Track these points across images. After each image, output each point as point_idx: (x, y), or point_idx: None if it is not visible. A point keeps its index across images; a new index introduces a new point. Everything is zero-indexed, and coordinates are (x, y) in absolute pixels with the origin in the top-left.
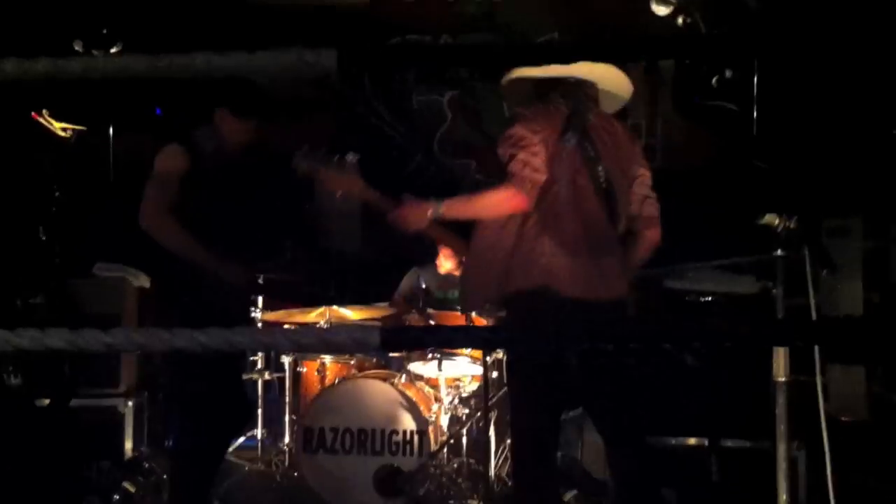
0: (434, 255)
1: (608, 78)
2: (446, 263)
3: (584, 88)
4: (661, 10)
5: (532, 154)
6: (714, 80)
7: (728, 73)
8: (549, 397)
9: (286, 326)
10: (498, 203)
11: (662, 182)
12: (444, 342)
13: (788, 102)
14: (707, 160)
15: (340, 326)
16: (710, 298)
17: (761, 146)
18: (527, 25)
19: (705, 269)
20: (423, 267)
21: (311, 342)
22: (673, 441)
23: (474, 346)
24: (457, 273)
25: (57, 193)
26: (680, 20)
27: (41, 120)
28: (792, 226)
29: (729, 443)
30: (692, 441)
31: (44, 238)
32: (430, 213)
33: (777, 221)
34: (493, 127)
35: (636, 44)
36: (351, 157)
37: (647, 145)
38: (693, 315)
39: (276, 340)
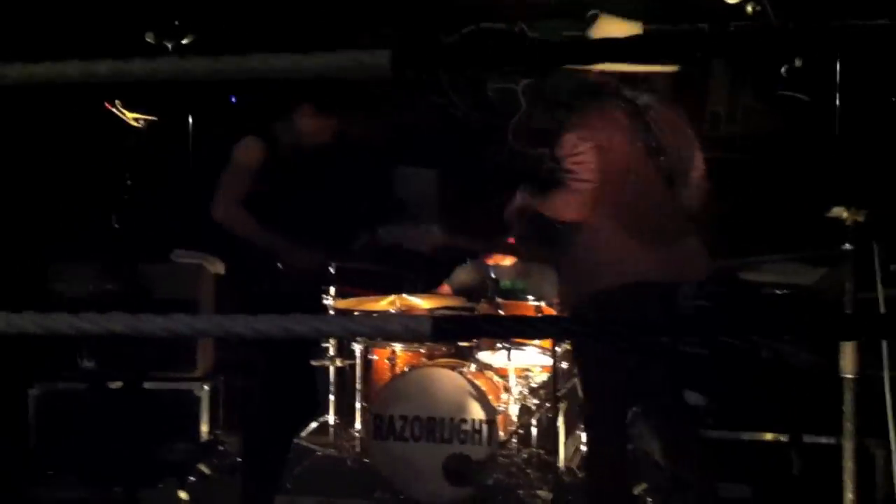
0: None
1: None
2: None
3: (640, 76)
4: None
5: (578, 163)
6: (783, 70)
7: (798, 63)
8: (618, 386)
9: (356, 314)
10: (555, 209)
11: (742, 172)
12: (498, 332)
13: (866, 93)
14: (787, 150)
15: (393, 314)
16: (785, 291)
17: (836, 137)
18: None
19: (781, 262)
20: (477, 260)
21: (363, 329)
22: (749, 436)
23: (527, 336)
24: (518, 265)
25: (129, 182)
26: (749, 8)
27: (114, 110)
28: (861, 219)
29: (809, 439)
30: (770, 436)
31: (117, 226)
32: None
33: (846, 214)
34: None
35: (711, 39)
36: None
37: (728, 134)
38: (767, 308)
39: (329, 327)
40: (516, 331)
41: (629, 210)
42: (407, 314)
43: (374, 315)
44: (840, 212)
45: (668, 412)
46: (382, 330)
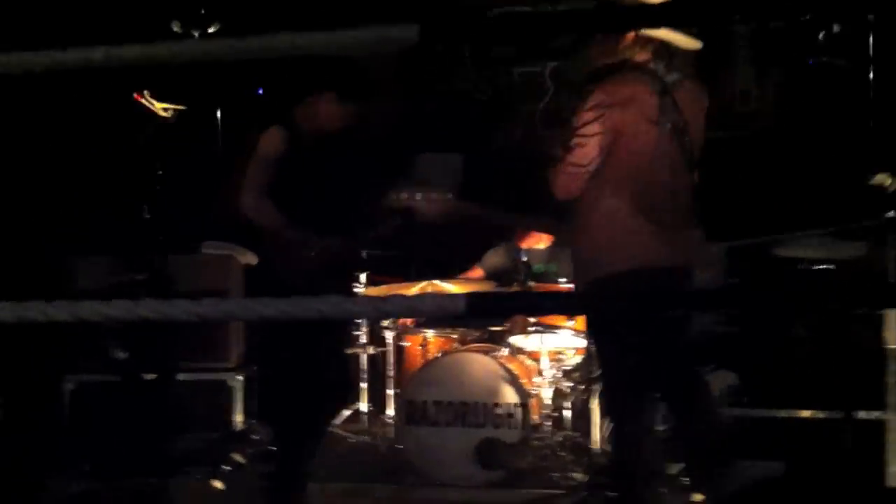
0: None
1: (678, 37)
2: (530, 238)
3: (669, 48)
4: None
5: (581, 145)
6: (821, 36)
7: (836, 28)
8: (636, 367)
9: None
10: (550, 184)
11: (774, 148)
12: (530, 308)
13: None
14: (818, 124)
15: (425, 294)
16: (822, 266)
17: (874, 103)
18: None
19: (816, 236)
20: (509, 244)
21: (395, 309)
22: (786, 413)
23: (561, 312)
24: (551, 248)
25: (160, 172)
26: None
27: (142, 100)
28: None
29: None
30: (806, 413)
31: (147, 216)
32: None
33: (889, 181)
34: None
35: (739, 3)
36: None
37: (758, 110)
38: (804, 283)
39: (360, 308)
40: (550, 307)
41: (649, 192)
42: (437, 294)
43: (406, 296)
44: (883, 179)
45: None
46: (416, 308)
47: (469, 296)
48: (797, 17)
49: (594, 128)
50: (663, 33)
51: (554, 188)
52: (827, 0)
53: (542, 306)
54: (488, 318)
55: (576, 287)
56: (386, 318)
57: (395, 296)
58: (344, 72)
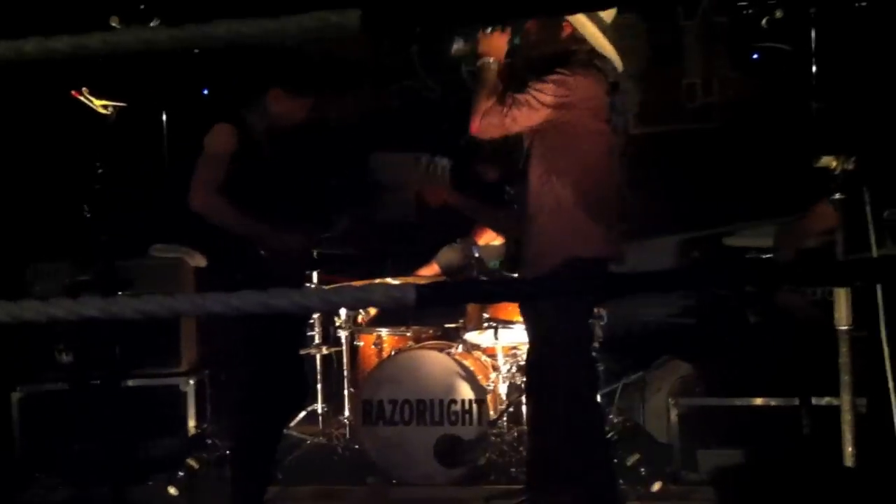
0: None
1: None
2: (486, 234)
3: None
4: None
5: (532, 107)
6: (764, 21)
7: (779, 14)
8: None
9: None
10: (474, 110)
11: (720, 141)
12: (482, 296)
13: (847, 39)
14: (764, 114)
15: (376, 284)
16: (771, 255)
17: (818, 86)
18: None
19: (767, 225)
20: (465, 239)
21: (345, 300)
22: (741, 402)
23: (513, 300)
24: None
25: (100, 170)
26: None
27: (81, 97)
28: (850, 167)
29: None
30: (759, 401)
31: (88, 215)
32: None
33: (834, 163)
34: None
35: None
36: (443, 162)
37: (705, 105)
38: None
39: (308, 300)
40: (498, 294)
41: (597, 188)
42: (390, 284)
43: (357, 287)
44: (829, 161)
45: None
46: (366, 300)
47: (419, 286)
48: (737, 16)
49: (547, 98)
50: (597, 41)
51: (478, 121)
52: None
53: (492, 293)
54: (440, 308)
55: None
56: (336, 308)
57: (344, 286)
58: (290, 65)
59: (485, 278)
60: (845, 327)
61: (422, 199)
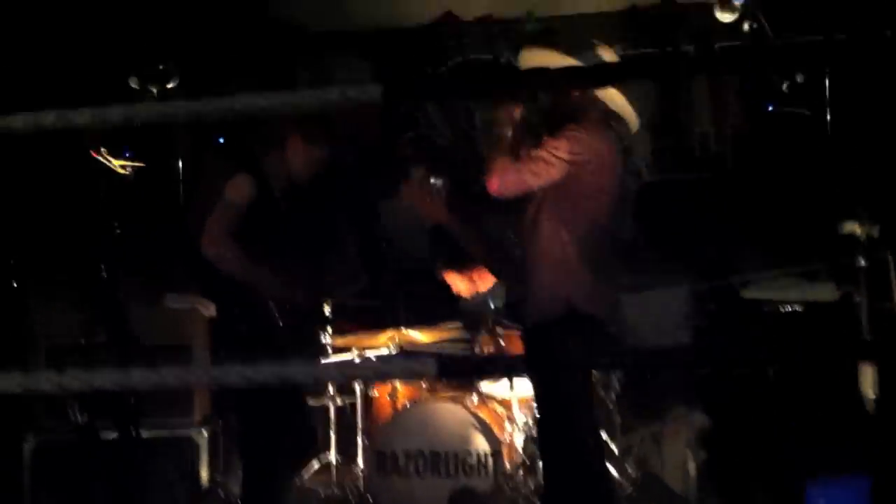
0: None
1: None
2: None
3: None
4: (726, 18)
5: (547, 162)
6: (785, 86)
7: (800, 78)
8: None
9: (355, 351)
10: (490, 168)
11: (733, 190)
12: (504, 369)
13: (864, 104)
14: (780, 167)
15: (395, 357)
16: (789, 308)
17: (837, 151)
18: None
19: (782, 278)
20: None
21: (365, 374)
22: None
23: (532, 375)
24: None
25: (118, 231)
26: (746, 26)
27: (100, 158)
28: (875, 234)
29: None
30: None
31: (105, 276)
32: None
33: (859, 230)
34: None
35: (701, 60)
36: (438, 183)
37: (718, 153)
38: (772, 327)
39: (327, 374)
40: (518, 369)
41: (599, 242)
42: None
43: (375, 358)
44: (853, 227)
45: None
46: (385, 373)
47: (439, 359)
48: (750, 73)
49: (564, 154)
50: (613, 101)
51: (497, 180)
52: (780, 54)
53: (513, 367)
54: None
55: (523, 320)
56: (353, 379)
57: (365, 360)
58: (307, 116)
59: (499, 329)
60: (872, 397)
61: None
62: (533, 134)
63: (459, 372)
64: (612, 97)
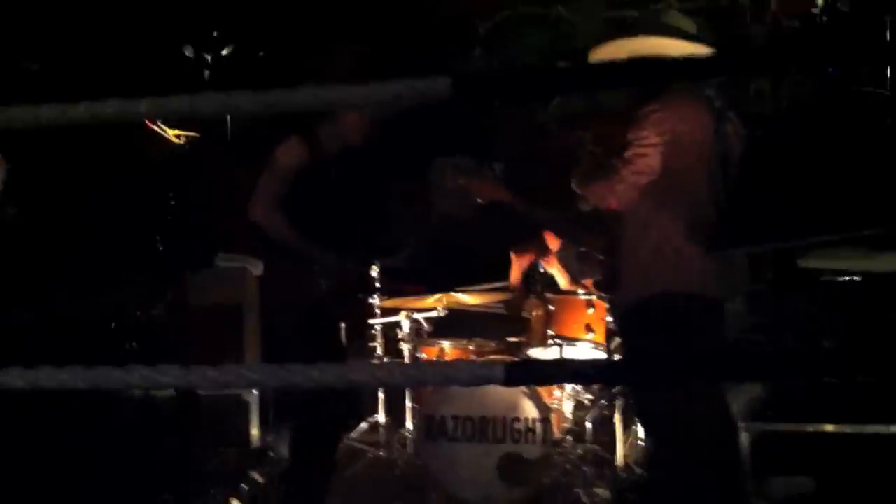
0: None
1: None
2: (552, 244)
3: None
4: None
5: (641, 156)
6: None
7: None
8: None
9: (403, 313)
10: (596, 193)
11: (794, 150)
12: (573, 375)
13: None
14: (838, 125)
15: (462, 361)
16: (847, 279)
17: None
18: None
19: (842, 246)
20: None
21: (429, 377)
22: (813, 428)
23: (605, 381)
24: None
25: (173, 202)
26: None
27: (155, 128)
28: None
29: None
30: (832, 427)
31: (161, 248)
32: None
33: None
34: (610, 99)
35: (786, 53)
36: (497, 167)
37: (773, 111)
38: (829, 299)
39: (391, 378)
40: (594, 375)
41: (699, 216)
42: (476, 362)
43: (443, 363)
44: None
45: None
46: (452, 377)
47: (508, 365)
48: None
49: (654, 139)
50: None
51: (609, 197)
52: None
53: (584, 374)
54: (504, 322)
55: (613, 304)
56: (419, 385)
57: (431, 363)
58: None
59: (548, 294)
60: None
61: (469, 192)
62: (612, 137)
63: (527, 379)
64: (670, 48)
